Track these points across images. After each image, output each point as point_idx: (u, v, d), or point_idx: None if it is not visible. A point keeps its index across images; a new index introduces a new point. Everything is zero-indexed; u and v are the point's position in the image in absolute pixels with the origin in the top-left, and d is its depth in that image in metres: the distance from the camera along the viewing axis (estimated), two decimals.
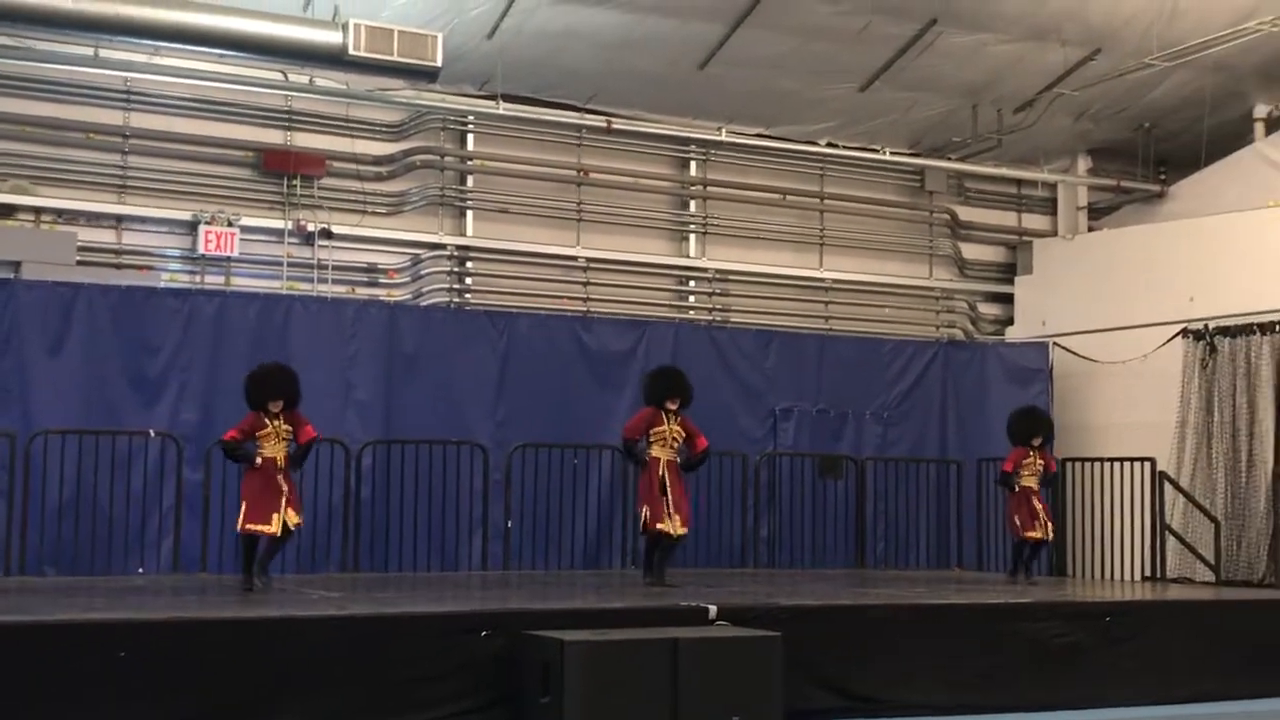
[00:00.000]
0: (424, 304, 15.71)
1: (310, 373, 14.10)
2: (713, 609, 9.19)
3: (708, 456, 11.86)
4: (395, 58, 13.18)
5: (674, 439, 11.45)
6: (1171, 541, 14.91)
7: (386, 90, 15.21)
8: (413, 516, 13.77)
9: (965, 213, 19.00)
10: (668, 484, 11.22)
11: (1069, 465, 15.29)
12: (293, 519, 10.80)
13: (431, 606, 8.93)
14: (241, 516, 10.79)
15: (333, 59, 13.26)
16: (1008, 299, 19.00)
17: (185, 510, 13.02)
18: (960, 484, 16.39)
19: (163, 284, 14.51)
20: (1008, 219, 19.33)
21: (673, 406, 11.41)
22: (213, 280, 14.95)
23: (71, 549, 12.67)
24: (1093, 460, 15.55)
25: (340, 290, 15.40)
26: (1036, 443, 13.40)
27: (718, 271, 17.43)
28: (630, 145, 17.00)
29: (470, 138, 16.36)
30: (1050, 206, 19.40)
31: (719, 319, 17.29)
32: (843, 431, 16.67)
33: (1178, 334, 16.47)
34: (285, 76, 14.87)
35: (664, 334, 15.94)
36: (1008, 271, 19.07)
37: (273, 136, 15.42)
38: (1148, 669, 10.36)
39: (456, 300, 16.02)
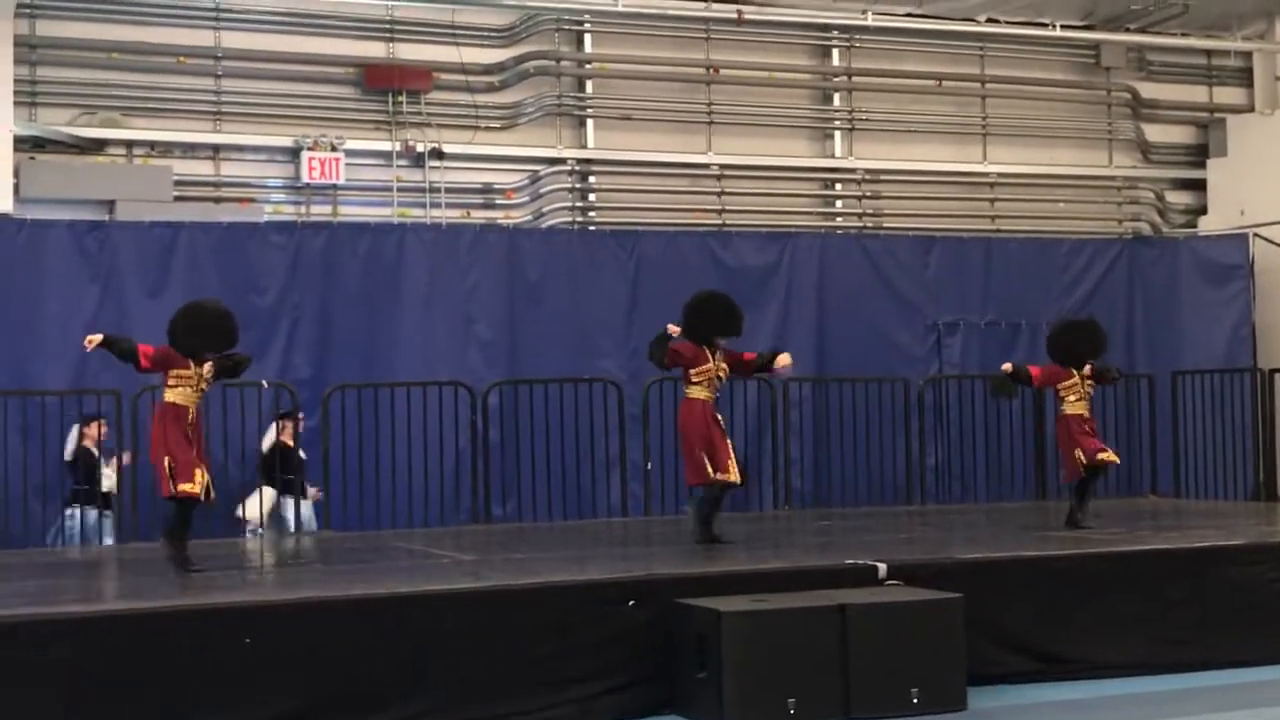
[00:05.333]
0: (545, 226, 15.69)
1: (429, 308, 14.36)
2: (882, 567, 9.08)
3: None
4: None
5: (719, 378, 10.69)
6: None
7: None
8: (544, 460, 13.85)
9: (1148, 90, 18.44)
10: (712, 429, 10.52)
11: (1277, 377, 14.83)
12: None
13: (573, 575, 8.94)
14: (169, 474, 9.30)
15: None
16: (1199, 185, 18.48)
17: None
18: (1153, 400, 16.00)
19: (266, 218, 14.68)
20: (1197, 94, 18.74)
21: (723, 343, 10.93)
22: (319, 210, 15.09)
23: None
24: None
25: (454, 215, 15.45)
26: (1088, 372, 11.59)
27: (867, 172, 17.15)
28: (764, 36, 16.73)
29: (588, 39, 16.23)
30: (1246, 78, 18.76)
31: (871, 225, 17.04)
32: (1015, 345, 16.35)
33: None
34: None
35: (809, 246, 15.76)
36: (1199, 154, 18.53)
37: (375, 50, 15.45)
38: None
39: (580, 220, 15.99)
